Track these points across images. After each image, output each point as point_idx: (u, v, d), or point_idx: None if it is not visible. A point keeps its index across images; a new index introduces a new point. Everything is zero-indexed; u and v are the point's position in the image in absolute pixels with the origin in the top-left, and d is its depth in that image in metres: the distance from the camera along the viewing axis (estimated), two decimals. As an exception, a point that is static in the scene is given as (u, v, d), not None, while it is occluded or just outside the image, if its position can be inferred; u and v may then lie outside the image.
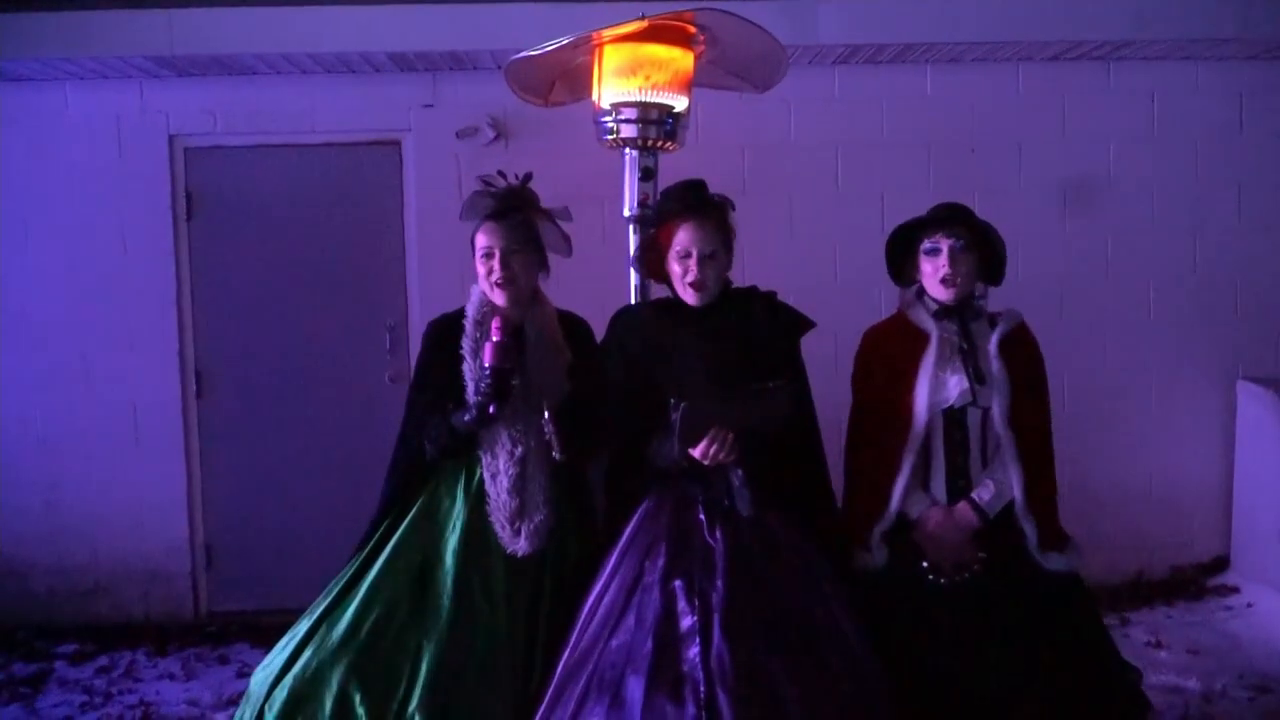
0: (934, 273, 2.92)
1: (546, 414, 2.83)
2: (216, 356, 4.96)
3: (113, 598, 4.95)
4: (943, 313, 2.96)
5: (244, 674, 4.25)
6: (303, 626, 2.90)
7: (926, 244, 2.93)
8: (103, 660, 4.56)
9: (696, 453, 2.67)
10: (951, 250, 2.89)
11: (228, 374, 4.96)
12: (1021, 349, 2.97)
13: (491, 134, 4.83)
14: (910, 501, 2.93)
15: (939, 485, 2.95)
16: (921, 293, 3.01)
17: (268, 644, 2.98)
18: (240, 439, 4.96)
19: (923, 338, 2.97)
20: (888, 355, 3.02)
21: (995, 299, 3.10)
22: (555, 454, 2.85)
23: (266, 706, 2.76)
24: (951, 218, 2.93)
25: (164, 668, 4.49)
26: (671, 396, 2.70)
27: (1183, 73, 4.97)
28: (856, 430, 3.08)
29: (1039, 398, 2.99)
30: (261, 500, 4.95)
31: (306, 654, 2.81)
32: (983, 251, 2.95)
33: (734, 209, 2.91)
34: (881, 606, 2.88)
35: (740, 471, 2.68)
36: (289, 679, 2.77)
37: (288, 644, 2.88)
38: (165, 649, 4.66)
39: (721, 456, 2.65)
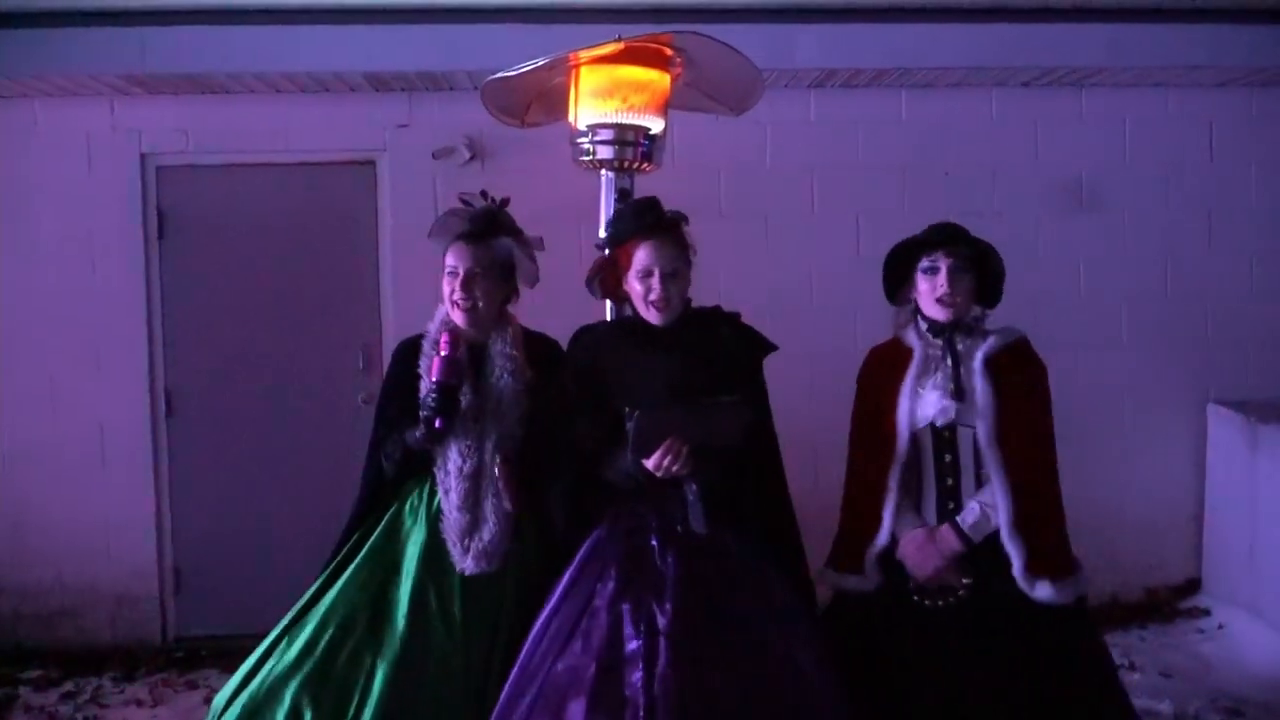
0: (931, 292, 2.89)
1: (497, 469, 2.85)
2: (186, 377, 4.91)
3: (79, 622, 4.86)
4: (932, 330, 2.93)
5: (211, 700, 4.18)
6: (265, 643, 2.90)
7: (925, 262, 2.90)
8: (68, 686, 4.47)
9: (650, 463, 2.65)
10: (950, 270, 2.86)
11: (198, 394, 4.91)
12: (1018, 367, 2.89)
13: (467, 154, 4.82)
14: (900, 523, 2.91)
15: (929, 508, 2.91)
16: (916, 312, 2.98)
17: (236, 670, 2.97)
18: (210, 460, 4.91)
19: (909, 355, 2.96)
20: (878, 375, 3.02)
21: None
22: (506, 504, 2.85)
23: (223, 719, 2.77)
24: (952, 237, 2.91)
25: (131, 694, 4.42)
26: (627, 408, 2.69)
27: (1154, 99, 5.03)
28: (851, 452, 3.07)
29: (1035, 418, 2.89)
30: (232, 523, 4.89)
31: (264, 670, 2.82)
32: (981, 273, 2.92)
33: (689, 225, 2.90)
34: (871, 626, 2.88)
35: (694, 486, 2.66)
36: (245, 694, 2.78)
37: (249, 661, 2.89)
38: (133, 674, 4.59)
39: (675, 469, 2.63)
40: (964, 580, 2.84)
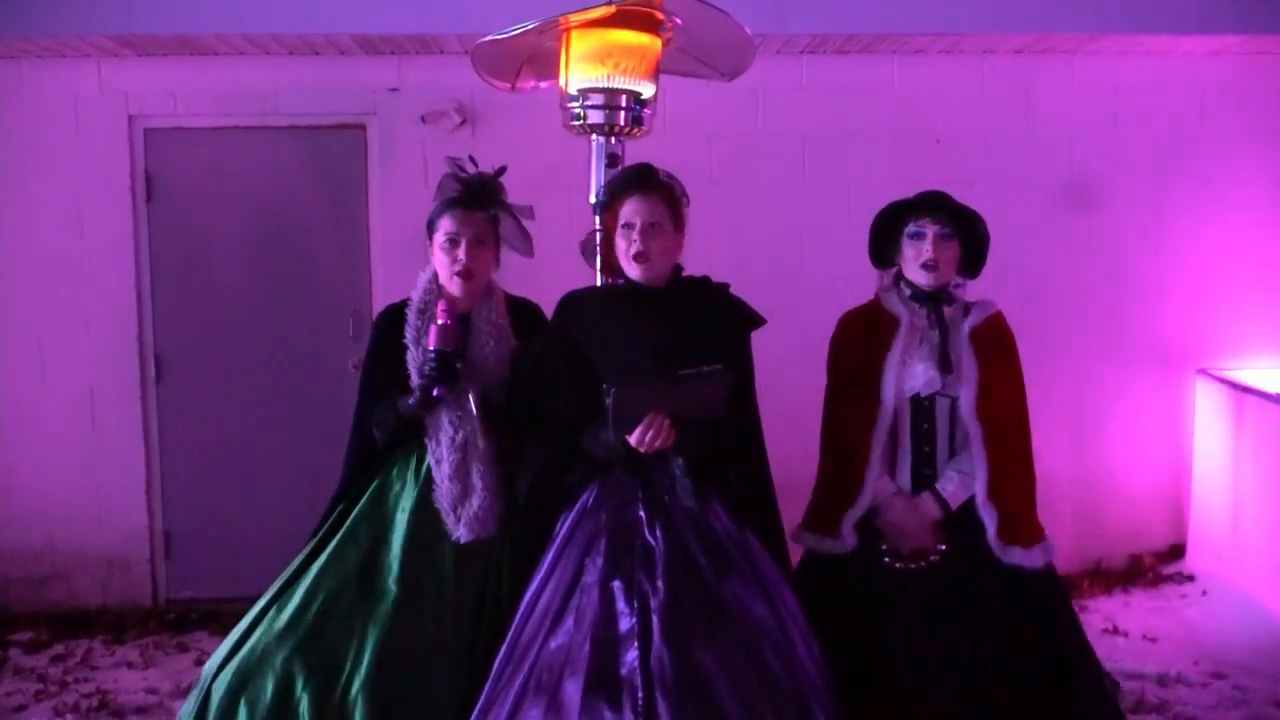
0: (916, 257, 2.89)
1: (473, 404, 2.83)
2: (176, 341, 4.91)
3: (70, 585, 4.89)
4: (917, 298, 2.94)
5: (203, 662, 4.17)
6: (254, 611, 2.90)
7: (912, 228, 2.90)
8: (59, 648, 4.50)
9: (633, 440, 2.61)
10: (936, 236, 2.87)
11: (187, 359, 4.91)
12: (995, 339, 2.92)
13: (457, 119, 4.80)
14: (878, 488, 2.92)
15: (904, 474, 2.93)
16: (899, 278, 2.98)
17: (227, 632, 2.97)
18: (200, 425, 4.92)
19: (894, 323, 2.94)
20: (860, 340, 3.00)
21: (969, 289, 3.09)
22: (479, 441, 2.84)
23: (214, 686, 2.76)
24: (939, 204, 2.90)
25: (121, 656, 4.44)
26: (605, 382, 2.64)
27: (1146, 68, 5.01)
28: (829, 415, 3.06)
29: (1012, 389, 2.93)
30: (221, 487, 4.90)
31: (254, 637, 2.81)
32: (966, 242, 2.92)
33: (684, 191, 2.87)
34: (844, 589, 2.90)
35: (680, 460, 2.64)
36: (236, 660, 2.77)
37: (239, 628, 2.88)
38: (123, 637, 4.61)
39: (658, 444, 2.60)
40: (939, 546, 2.88)
